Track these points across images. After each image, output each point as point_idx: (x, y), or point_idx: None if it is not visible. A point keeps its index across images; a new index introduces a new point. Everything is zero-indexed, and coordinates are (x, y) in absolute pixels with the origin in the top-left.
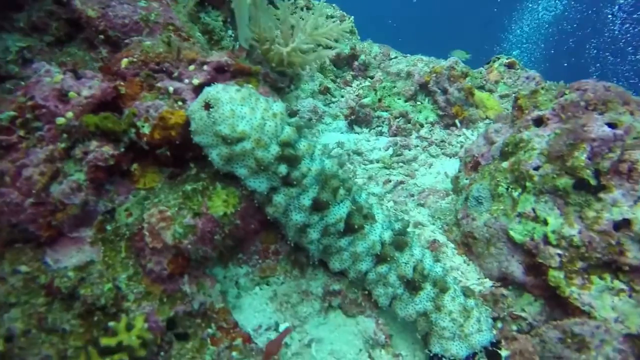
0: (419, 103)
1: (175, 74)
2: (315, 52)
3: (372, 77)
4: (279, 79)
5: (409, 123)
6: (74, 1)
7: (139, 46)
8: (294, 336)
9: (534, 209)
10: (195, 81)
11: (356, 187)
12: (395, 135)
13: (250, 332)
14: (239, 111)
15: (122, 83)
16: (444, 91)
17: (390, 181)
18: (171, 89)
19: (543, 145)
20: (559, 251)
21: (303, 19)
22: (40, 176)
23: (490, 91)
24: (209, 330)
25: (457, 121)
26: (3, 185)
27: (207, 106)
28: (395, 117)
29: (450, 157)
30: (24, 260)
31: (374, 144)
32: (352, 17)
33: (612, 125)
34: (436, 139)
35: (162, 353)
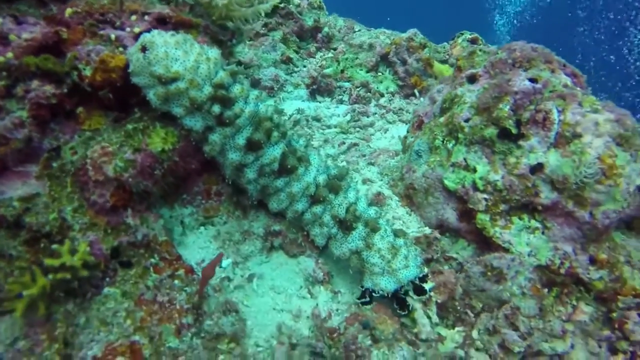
0: (380, 74)
1: (118, 24)
2: (253, 7)
3: (335, 49)
4: (220, 32)
5: (369, 92)
6: None
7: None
8: (237, 271)
9: (465, 159)
10: (136, 29)
11: (292, 132)
12: (355, 103)
13: (193, 265)
14: (172, 53)
15: (63, 29)
16: (404, 62)
17: (344, 143)
18: (113, 36)
19: (473, 99)
20: (485, 196)
21: None
22: None
23: (453, 65)
24: (152, 260)
25: (416, 91)
26: None
27: (144, 49)
28: (357, 87)
29: (406, 124)
30: None
31: (333, 111)
32: None
33: (533, 80)
34: (394, 107)
35: (107, 278)
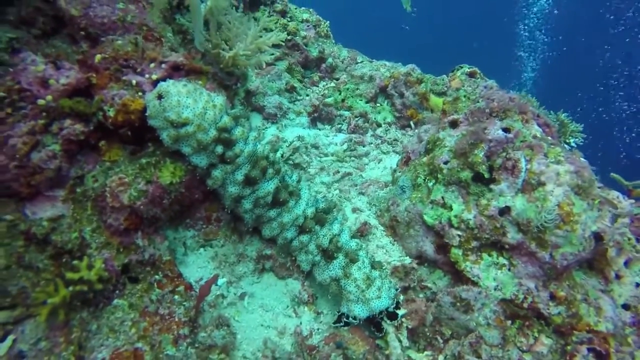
0: (378, 105)
1: (139, 70)
2: (256, 57)
3: (337, 79)
4: (226, 78)
5: (367, 122)
6: (58, 1)
7: (111, 44)
8: (230, 290)
9: (443, 197)
10: (154, 76)
11: (286, 168)
12: (353, 132)
13: (192, 282)
14: (184, 101)
15: (94, 75)
16: (401, 95)
17: (338, 172)
18: (134, 81)
19: (452, 143)
20: (459, 232)
21: (249, 29)
22: (23, 145)
23: (450, 96)
24: (156, 277)
25: (411, 123)
26: None
27: (160, 97)
28: (356, 117)
29: (399, 154)
30: (8, 210)
31: (331, 139)
32: (328, 21)
33: (506, 130)
34: (389, 138)
35: (117, 291)
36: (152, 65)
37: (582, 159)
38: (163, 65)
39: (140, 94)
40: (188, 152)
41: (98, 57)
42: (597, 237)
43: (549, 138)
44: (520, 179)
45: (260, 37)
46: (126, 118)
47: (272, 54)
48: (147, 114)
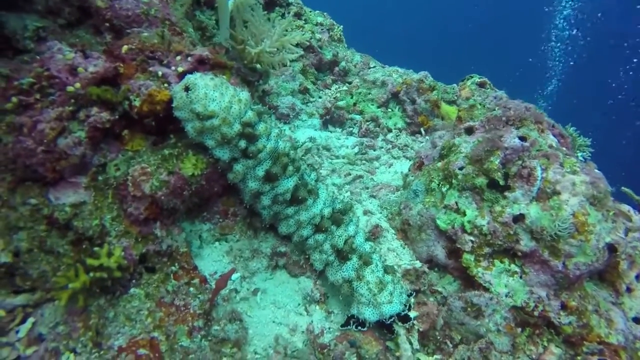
0: (390, 110)
1: (165, 62)
2: (280, 55)
3: (350, 83)
4: (250, 74)
5: (378, 127)
6: None
7: (138, 36)
8: (244, 285)
9: (456, 202)
10: (180, 69)
11: (305, 167)
12: (364, 136)
13: (206, 275)
14: (211, 95)
15: (121, 65)
16: (413, 101)
17: (350, 174)
18: (160, 73)
19: (468, 149)
20: (472, 238)
21: (273, 28)
22: (51, 130)
23: (460, 105)
24: (173, 268)
25: (422, 129)
26: (21, 134)
27: (187, 89)
28: (367, 121)
29: (410, 160)
30: (32, 195)
31: (343, 142)
32: (342, 26)
33: (522, 138)
34: (400, 143)
35: (133, 280)
36: (178, 58)
37: (597, 170)
38: (189, 59)
39: (166, 85)
40: (211, 145)
41: (125, 47)
42: (611, 248)
43: (564, 149)
44: (536, 187)
45: (285, 35)
46: (151, 108)
47: (296, 53)
48: (173, 105)
